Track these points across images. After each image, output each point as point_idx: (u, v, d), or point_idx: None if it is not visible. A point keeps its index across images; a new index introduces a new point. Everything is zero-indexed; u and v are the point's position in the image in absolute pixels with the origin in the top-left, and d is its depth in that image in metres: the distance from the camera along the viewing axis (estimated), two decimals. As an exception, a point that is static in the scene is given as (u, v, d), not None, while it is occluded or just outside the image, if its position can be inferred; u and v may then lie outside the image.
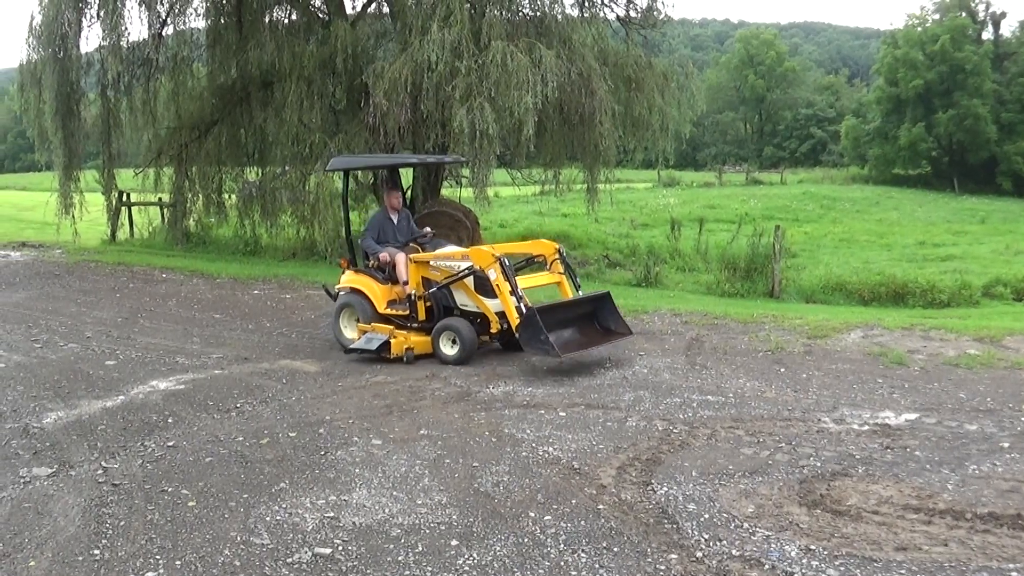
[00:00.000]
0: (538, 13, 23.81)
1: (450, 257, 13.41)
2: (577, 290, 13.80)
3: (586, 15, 25.74)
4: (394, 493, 7.63)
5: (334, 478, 8.03)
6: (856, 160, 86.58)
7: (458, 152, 20.45)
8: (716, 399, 10.90)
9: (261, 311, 17.49)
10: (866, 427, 9.84)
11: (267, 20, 24.47)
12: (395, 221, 14.57)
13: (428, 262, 13.58)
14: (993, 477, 8.34)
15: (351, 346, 13.36)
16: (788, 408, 10.57)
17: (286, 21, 25.43)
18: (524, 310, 12.16)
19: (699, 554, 6.55)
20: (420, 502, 7.44)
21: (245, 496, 7.59)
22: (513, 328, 12.41)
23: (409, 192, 26.12)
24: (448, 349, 12.84)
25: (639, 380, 11.83)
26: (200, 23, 26.34)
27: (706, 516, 7.24)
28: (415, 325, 13.41)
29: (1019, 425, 10.04)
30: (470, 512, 7.22)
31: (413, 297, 13.46)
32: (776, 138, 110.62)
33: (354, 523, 7.01)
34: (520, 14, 23.83)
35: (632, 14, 26.84)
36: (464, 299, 13.32)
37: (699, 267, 23.66)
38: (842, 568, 6.37)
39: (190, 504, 7.41)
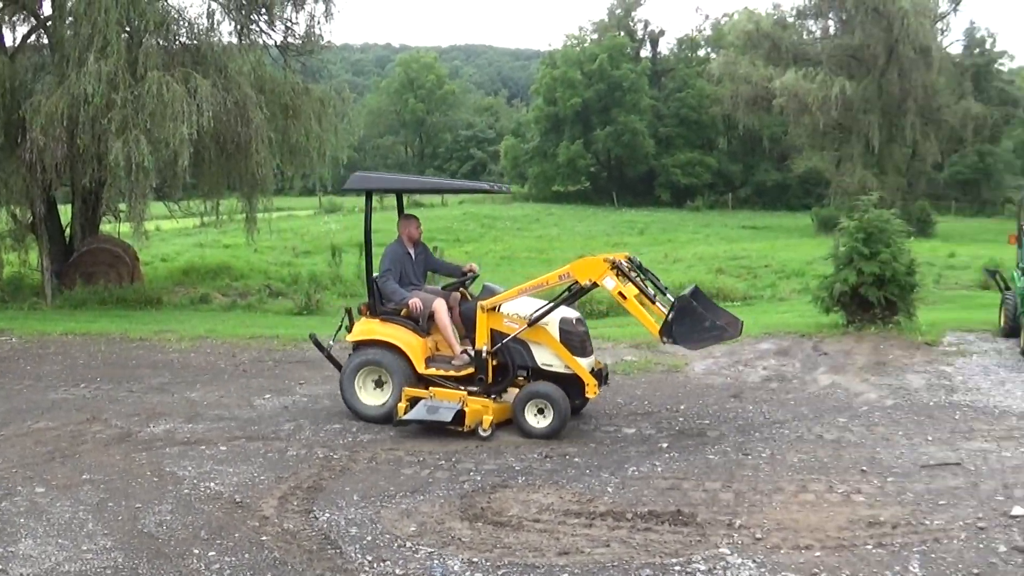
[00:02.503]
0: (195, 42, 23.67)
1: (538, 286, 11.07)
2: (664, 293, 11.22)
3: (245, 43, 25.64)
4: (59, 541, 7.48)
5: (-1, 529, 7.85)
6: (516, 179, 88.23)
7: (116, 186, 20.26)
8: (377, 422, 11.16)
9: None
10: (525, 438, 10.34)
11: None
12: (413, 256, 12.06)
13: (498, 308, 11.05)
14: (653, 477, 9.02)
15: (406, 416, 10.67)
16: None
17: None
18: (674, 302, 10.43)
19: (362, 576, 6.80)
20: (85, 548, 7.32)
21: (-91, 556, 7.34)
22: (655, 334, 10.56)
23: (68, 229, 25.55)
24: (536, 420, 10.64)
25: (299, 409, 12.07)
26: None
27: (369, 538, 7.49)
28: (473, 389, 10.99)
29: (677, 425, 10.95)
30: (135, 554, 7.19)
31: (484, 355, 10.99)
32: (437, 160, 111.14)
33: (21, 574, 6.89)
34: (177, 43, 23.62)
35: (291, 40, 26.91)
36: (547, 356, 10.98)
37: (361, 293, 23.87)
38: (506, 577, 6.76)
39: None
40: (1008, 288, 17.72)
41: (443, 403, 10.64)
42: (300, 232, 43.02)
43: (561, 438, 10.45)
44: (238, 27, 25.62)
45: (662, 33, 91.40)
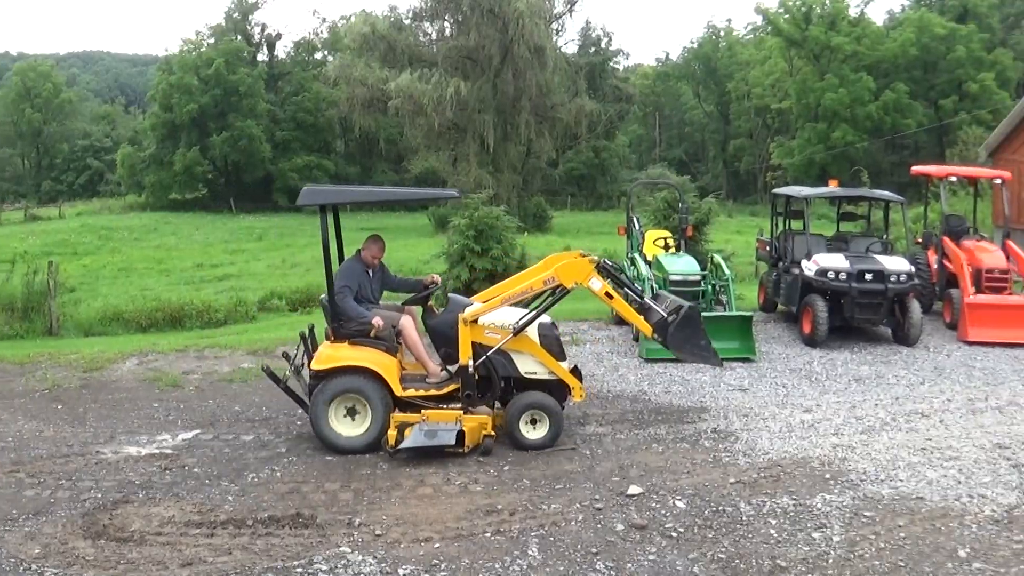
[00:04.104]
0: None
1: (522, 293, 10.73)
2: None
3: None
4: None
5: None
6: (134, 188, 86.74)
7: None
8: (-5, 445, 10.89)
9: None
10: (144, 452, 10.40)
11: None
12: (371, 274, 11.30)
13: (478, 320, 10.57)
14: (273, 482, 9.28)
15: (402, 445, 9.93)
16: (67, 444, 10.83)
17: None
18: (684, 308, 10.47)
19: (-15, 606, 6.79)
20: None
21: None
22: (647, 332, 10.75)
23: None
24: (529, 431, 10.39)
25: (-83, 434, 11.54)
26: None
27: (-9, 565, 7.41)
28: (456, 406, 10.46)
29: (295, 430, 11.11)
30: None
31: (470, 370, 10.45)
32: (54, 171, 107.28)
33: None
34: None
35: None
36: (531, 364, 10.67)
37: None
38: (129, 593, 6.88)
39: None
40: (620, 277, 18.83)
41: (440, 425, 10.06)
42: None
43: (180, 449, 10.51)
44: None
45: (279, 36, 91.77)
